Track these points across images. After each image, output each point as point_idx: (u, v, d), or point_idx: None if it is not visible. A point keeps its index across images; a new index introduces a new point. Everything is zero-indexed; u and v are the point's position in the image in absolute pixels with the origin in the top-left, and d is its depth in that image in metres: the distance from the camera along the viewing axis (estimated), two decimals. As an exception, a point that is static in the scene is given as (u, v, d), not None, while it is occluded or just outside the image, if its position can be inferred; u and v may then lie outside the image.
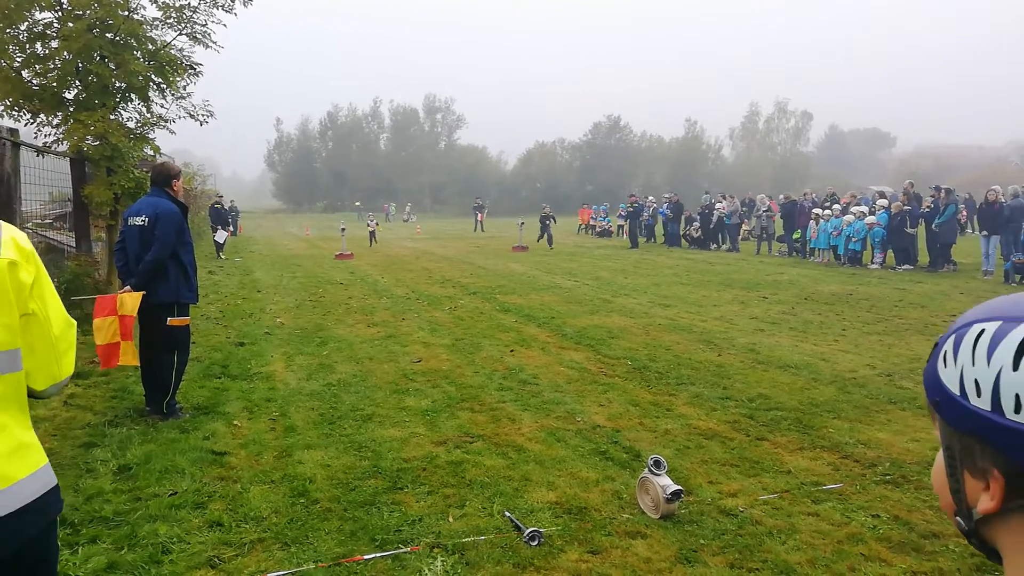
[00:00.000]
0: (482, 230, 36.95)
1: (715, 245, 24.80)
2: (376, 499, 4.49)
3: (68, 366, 1.92)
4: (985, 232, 16.39)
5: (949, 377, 0.85)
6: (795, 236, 21.40)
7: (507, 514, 4.25)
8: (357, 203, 62.86)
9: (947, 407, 0.85)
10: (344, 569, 3.64)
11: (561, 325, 10.36)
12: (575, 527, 4.09)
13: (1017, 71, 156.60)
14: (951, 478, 0.88)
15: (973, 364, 0.82)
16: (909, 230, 17.75)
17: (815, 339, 9.39)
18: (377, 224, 30.00)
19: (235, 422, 5.95)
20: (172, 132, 9.92)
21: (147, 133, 9.78)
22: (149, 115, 9.80)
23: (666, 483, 4.17)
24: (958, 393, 0.83)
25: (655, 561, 3.70)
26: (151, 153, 9.97)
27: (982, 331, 0.83)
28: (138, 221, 5.92)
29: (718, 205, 25.00)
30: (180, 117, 9.88)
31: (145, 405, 6.10)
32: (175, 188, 6.15)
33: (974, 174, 55.96)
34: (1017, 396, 0.76)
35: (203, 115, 9.92)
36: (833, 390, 6.91)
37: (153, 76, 9.43)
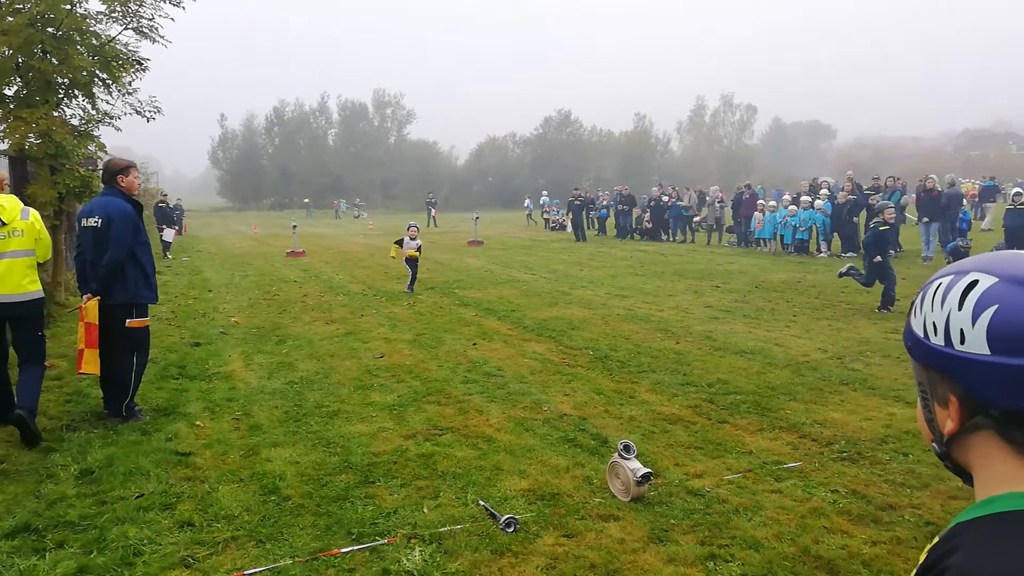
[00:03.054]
0: (435, 225, 36.78)
1: (666, 237, 25.22)
2: (349, 493, 4.48)
3: (48, 256, 5.85)
4: (925, 219, 17.06)
5: (916, 324, 1.03)
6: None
7: (482, 503, 4.30)
8: (306, 200, 61.86)
9: (916, 348, 1.03)
10: (322, 563, 3.64)
11: (521, 318, 10.43)
12: (549, 513, 4.17)
13: (948, 66, 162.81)
14: (925, 409, 1.05)
15: (932, 310, 1.01)
16: (853, 219, 18.36)
17: (768, 325, 9.67)
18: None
19: (197, 422, 5.85)
20: (118, 129, 9.63)
21: (92, 130, 9.48)
22: (94, 112, 9.50)
23: (636, 466, 4.27)
24: (922, 335, 1.01)
25: (629, 542, 3.80)
26: (96, 151, 9.67)
27: (939, 284, 1.01)
28: (91, 223, 5.74)
29: (684, 198, 25.37)
30: (126, 113, 9.60)
31: (103, 408, 5.95)
32: (123, 184, 5.91)
33: (910, 164, 58.13)
34: (961, 330, 0.95)
35: (150, 111, 9.67)
36: (788, 373, 7.14)
37: (98, 72, 9.14)
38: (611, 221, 28.80)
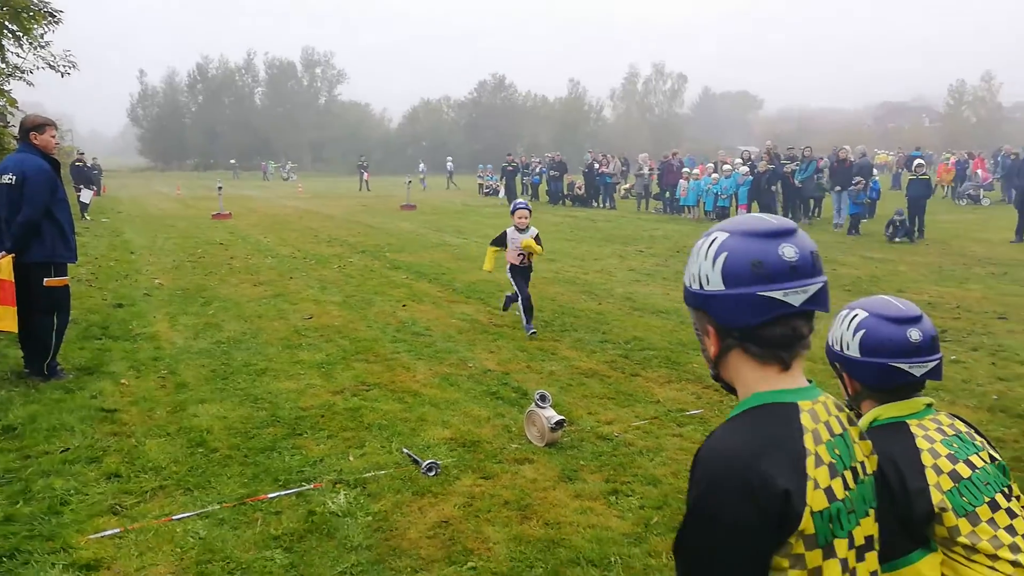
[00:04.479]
0: (368, 189, 36.34)
1: (597, 203, 25.68)
2: (276, 445, 4.65)
3: None
4: (837, 188, 17.94)
5: (685, 278, 1.35)
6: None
7: (405, 451, 4.54)
8: (232, 161, 59.88)
9: (686, 297, 1.35)
10: (249, 508, 3.81)
11: (451, 280, 10.63)
12: (469, 458, 4.44)
13: (868, 40, 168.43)
14: (700, 343, 1.37)
15: (691, 264, 1.32)
16: (771, 188, 19.14)
17: (686, 288, 10.15)
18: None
19: (122, 381, 5.86)
20: (30, 84, 9.25)
21: (2, 85, 9.08)
22: (3, 65, 9.08)
23: (550, 414, 4.58)
24: (687, 285, 1.33)
25: (540, 481, 4.12)
26: (6, 106, 9.27)
27: (697, 244, 1.33)
28: (5, 180, 5.60)
29: (610, 165, 25.81)
30: (38, 68, 9.23)
31: (24, 367, 5.89)
32: (37, 141, 5.77)
33: (832, 135, 60.32)
34: (707, 275, 1.27)
35: (64, 66, 9.31)
36: (699, 332, 7.59)
37: (7, 23, 8.72)
38: (544, 187, 29.09)
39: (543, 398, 4.67)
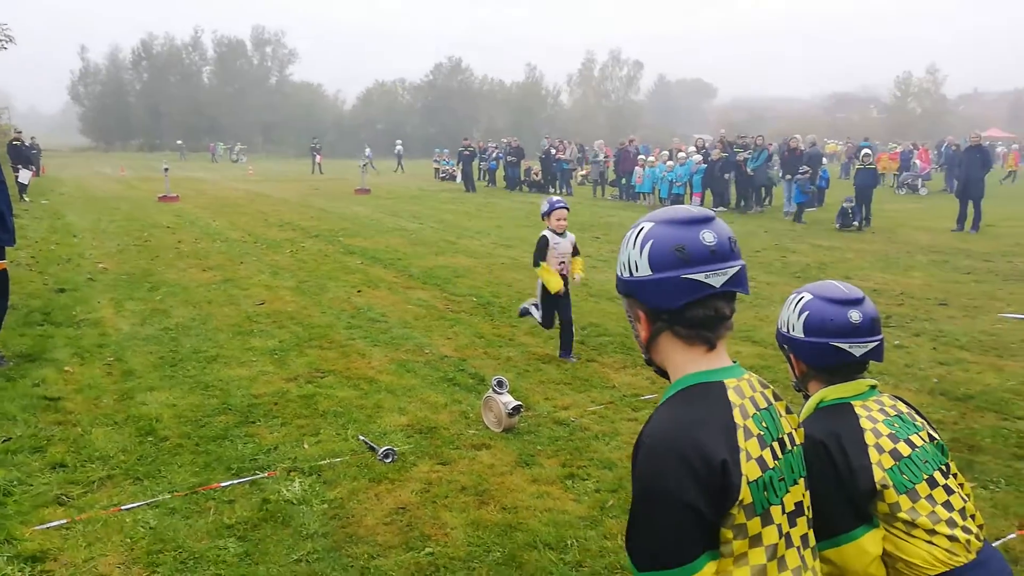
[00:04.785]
0: (320, 172, 35.74)
1: (554, 189, 25.73)
2: (228, 433, 4.57)
3: None
4: (788, 176, 18.33)
5: (617, 268, 1.43)
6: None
7: (361, 437, 4.50)
8: (179, 141, 58.16)
9: (617, 285, 1.43)
10: (201, 496, 3.74)
11: (408, 266, 10.55)
12: (426, 444, 4.44)
13: (820, 32, 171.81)
14: (633, 329, 1.46)
15: (621, 254, 1.41)
16: (724, 176, 19.46)
17: (641, 274, 10.26)
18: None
19: (66, 368, 5.68)
20: (-38, 56, 8.78)
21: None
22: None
23: (507, 400, 4.60)
24: (619, 274, 1.42)
25: (498, 466, 4.14)
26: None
27: (627, 235, 1.41)
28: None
29: (566, 152, 25.85)
30: (-29, 39, 8.76)
31: (-41, 355, 5.66)
32: None
33: (784, 124, 61.50)
34: (636, 263, 1.37)
35: (2, 40, 8.87)
36: (654, 317, 7.69)
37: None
38: (501, 172, 29.01)
39: (500, 384, 4.68)
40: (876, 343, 1.93)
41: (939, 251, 12.32)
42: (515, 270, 10.34)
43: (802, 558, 1.37)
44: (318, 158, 36.80)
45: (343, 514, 3.62)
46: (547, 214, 6.27)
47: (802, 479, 1.41)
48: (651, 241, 1.35)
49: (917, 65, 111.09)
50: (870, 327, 1.92)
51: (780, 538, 1.31)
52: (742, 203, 19.43)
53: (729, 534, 1.26)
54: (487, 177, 29.42)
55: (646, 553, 1.27)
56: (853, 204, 15.56)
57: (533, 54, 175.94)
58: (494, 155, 29.62)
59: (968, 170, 14.97)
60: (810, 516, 1.44)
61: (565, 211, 6.31)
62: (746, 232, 14.76)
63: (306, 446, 4.40)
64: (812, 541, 1.43)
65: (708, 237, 1.33)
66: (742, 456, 1.27)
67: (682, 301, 1.32)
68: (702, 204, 19.93)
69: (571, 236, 6.36)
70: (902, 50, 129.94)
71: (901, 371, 5.91)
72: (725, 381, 1.34)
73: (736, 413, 1.30)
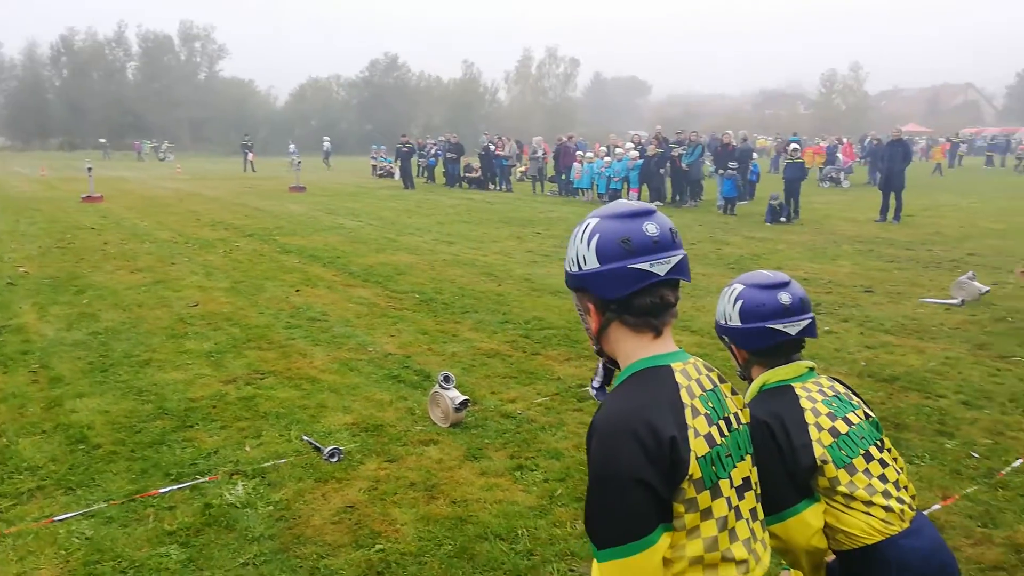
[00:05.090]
0: (253, 170, 34.84)
1: (494, 186, 25.75)
2: (165, 438, 4.42)
3: None
4: (721, 171, 18.80)
5: (565, 263, 1.49)
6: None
7: (305, 438, 4.42)
8: (102, 140, 55.81)
9: (567, 279, 1.49)
10: (140, 504, 3.62)
11: (347, 264, 10.40)
12: (372, 442, 4.39)
13: (749, 29, 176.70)
14: (583, 322, 1.52)
15: (570, 249, 1.47)
16: (660, 170, 19.83)
17: (581, 268, 10.38)
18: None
19: (-13, 377, 5.40)
20: None
21: None
22: None
23: (454, 395, 4.59)
24: (568, 269, 1.48)
25: (446, 461, 4.13)
26: None
27: (574, 231, 1.48)
28: None
29: (505, 148, 25.88)
30: None
31: None
32: None
33: (716, 121, 63.02)
34: (584, 256, 1.43)
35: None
36: (596, 310, 7.80)
37: None
38: (440, 169, 28.85)
39: (447, 379, 4.67)
40: (808, 321, 2.04)
41: (864, 241, 12.85)
42: (457, 266, 10.32)
43: (751, 530, 1.45)
44: (250, 156, 35.87)
45: (289, 515, 3.55)
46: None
47: (748, 456, 1.49)
48: (597, 235, 1.42)
49: (841, 63, 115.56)
50: (800, 306, 2.02)
51: (730, 510, 1.38)
52: (677, 197, 19.84)
53: (681, 508, 1.32)
54: (426, 174, 29.22)
55: (605, 532, 1.32)
56: (779, 200, 16.06)
57: (470, 51, 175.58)
58: (433, 152, 29.43)
59: (890, 163, 15.64)
60: (758, 491, 1.52)
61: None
62: (682, 225, 15.01)
63: (248, 449, 4.30)
64: (760, 514, 1.51)
65: (651, 228, 1.41)
66: (690, 433, 1.34)
67: (629, 290, 1.39)
68: (638, 199, 20.28)
69: None
70: (827, 49, 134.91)
71: (831, 355, 6.15)
72: (672, 364, 1.41)
73: (683, 393, 1.38)
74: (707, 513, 1.35)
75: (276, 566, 3.14)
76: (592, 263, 1.41)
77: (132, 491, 3.73)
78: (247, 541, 3.32)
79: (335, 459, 4.13)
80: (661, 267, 1.39)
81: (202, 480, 3.88)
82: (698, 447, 1.34)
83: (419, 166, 29.12)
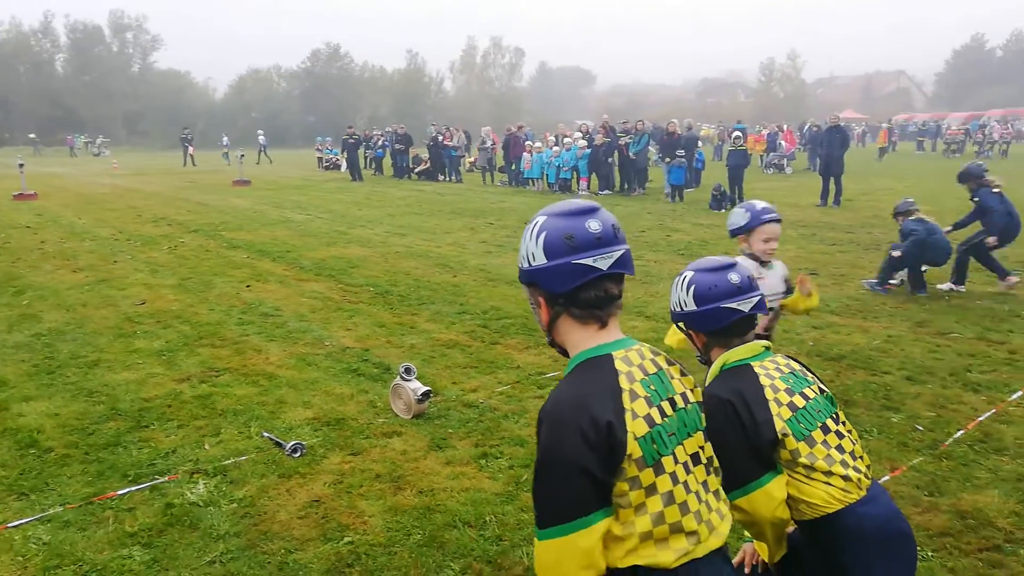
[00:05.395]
0: (194, 164, 33.90)
1: (443, 176, 25.63)
2: (120, 439, 4.32)
3: None
4: (667, 160, 19.10)
5: (519, 257, 1.56)
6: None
7: (266, 434, 4.37)
8: (32, 135, 53.55)
9: (521, 275, 1.56)
10: (98, 507, 3.53)
11: (298, 258, 10.25)
12: (335, 436, 4.37)
13: (690, 19, 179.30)
14: (535, 315, 1.60)
15: (521, 246, 1.54)
16: (608, 160, 20.04)
17: (535, 257, 10.44)
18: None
19: (-77, 384, 5.17)
20: None
21: None
22: None
23: (416, 386, 4.59)
24: (521, 264, 1.55)
25: (411, 452, 4.14)
26: None
27: (526, 228, 1.54)
28: None
29: (453, 139, 25.75)
30: None
31: None
32: None
33: (659, 110, 63.95)
34: (533, 253, 1.51)
35: None
36: (551, 298, 7.87)
37: None
38: (387, 160, 28.56)
39: (408, 371, 4.67)
40: (758, 297, 2.14)
41: (807, 225, 13.24)
42: (411, 258, 10.27)
43: (705, 502, 1.52)
44: (190, 149, 34.95)
45: (254, 512, 3.52)
46: (747, 229, 3.61)
47: (699, 431, 1.57)
48: (544, 233, 1.49)
49: (779, 52, 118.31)
50: (749, 285, 2.12)
51: (676, 485, 1.46)
52: (626, 186, 20.09)
53: (625, 487, 1.41)
54: (374, 165, 28.87)
55: (546, 512, 1.42)
56: (722, 189, 16.42)
57: (413, 41, 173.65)
58: (380, 143, 29.08)
59: (829, 149, 16.14)
60: (715, 465, 1.60)
61: (778, 226, 3.63)
62: (631, 214, 15.30)
63: (207, 447, 4.23)
64: (714, 486, 1.58)
65: (593, 225, 1.48)
66: (627, 416, 1.42)
67: (574, 284, 1.47)
68: (588, 188, 20.47)
69: (781, 265, 3.80)
70: (764, 37, 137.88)
71: (780, 336, 6.34)
72: (613, 353, 1.50)
73: (622, 379, 1.46)
74: (651, 489, 1.43)
75: (244, 563, 3.11)
76: (540, 259, 1.49)
77: (89, 494, 3.64)
78: (212, 539, 3.28)
79: (298, 454, 4.09)
80: (604, 262, 1.47)
81: (161, 480, 3.81)
82: (636, 428, 1.42)
83: (367, 158, 28.76)
